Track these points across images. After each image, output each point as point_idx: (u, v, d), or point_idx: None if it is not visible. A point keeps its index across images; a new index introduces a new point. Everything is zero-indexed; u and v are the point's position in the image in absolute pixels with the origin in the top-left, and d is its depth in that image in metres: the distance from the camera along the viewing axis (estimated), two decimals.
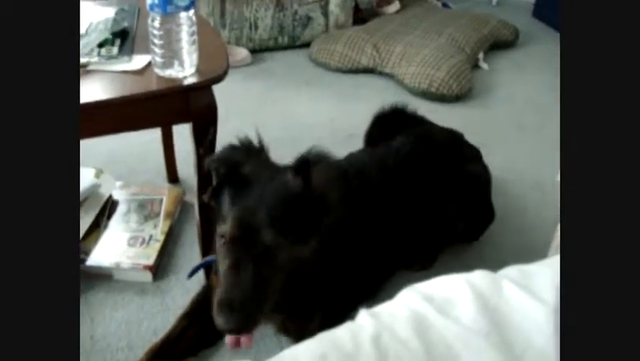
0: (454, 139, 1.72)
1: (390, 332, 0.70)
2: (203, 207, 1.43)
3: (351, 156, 1.56)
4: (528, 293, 0.75)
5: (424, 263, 1.61)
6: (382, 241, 1.40)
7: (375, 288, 1.39)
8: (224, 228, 1.08)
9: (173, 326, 1.40)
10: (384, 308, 0.76)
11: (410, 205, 1.48)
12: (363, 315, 0.75)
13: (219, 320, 1.04)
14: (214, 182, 1.18)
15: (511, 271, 0.82)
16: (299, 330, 1.26)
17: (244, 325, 1.05)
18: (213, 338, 1.42)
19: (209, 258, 1.36)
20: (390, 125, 1.68)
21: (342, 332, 0.72)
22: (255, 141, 1.18)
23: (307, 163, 1.09)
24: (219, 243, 1.11)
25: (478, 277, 0.79)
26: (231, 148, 1.17)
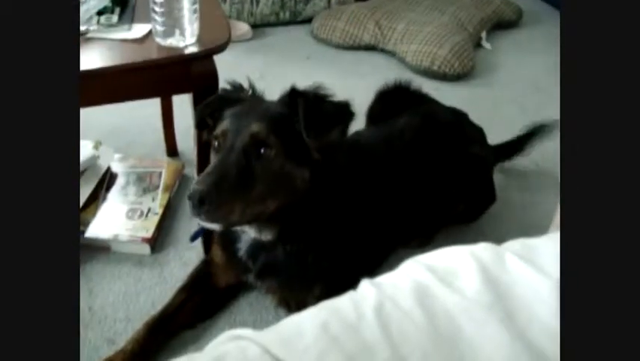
0: (458, 120, 1.71)
1: (393, 302, 0.69)
2: None
3: (356, 133, 1.55)
4: (532, 266, 0.74)
5: (422, 240, 1.60)
6: (382, 215, 1.39)
7: (374, 263, 1.39)
8: (219, 128, 1.15)
9: (171, 298, 1.40)
10: (386, 279, 0.75)
11: (412, 183, 1.47)
12: (366, 285, 0.74)
13: (189, 193, 1.05)
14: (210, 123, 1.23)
15: (514, 244, 0.81)
16: (299, 303, 1.26)
17: (210, 205, 1.04)
18: (211, 312, 1.43)
19: None
20: (393, 102, 1.66)
21: (344, 301, 0.71)
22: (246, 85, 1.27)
23: (295, 93, 1.16)
24: (214, 148, 1.17)
25: (482, 249, 0.78)
26: (222, 89, 1.28)
